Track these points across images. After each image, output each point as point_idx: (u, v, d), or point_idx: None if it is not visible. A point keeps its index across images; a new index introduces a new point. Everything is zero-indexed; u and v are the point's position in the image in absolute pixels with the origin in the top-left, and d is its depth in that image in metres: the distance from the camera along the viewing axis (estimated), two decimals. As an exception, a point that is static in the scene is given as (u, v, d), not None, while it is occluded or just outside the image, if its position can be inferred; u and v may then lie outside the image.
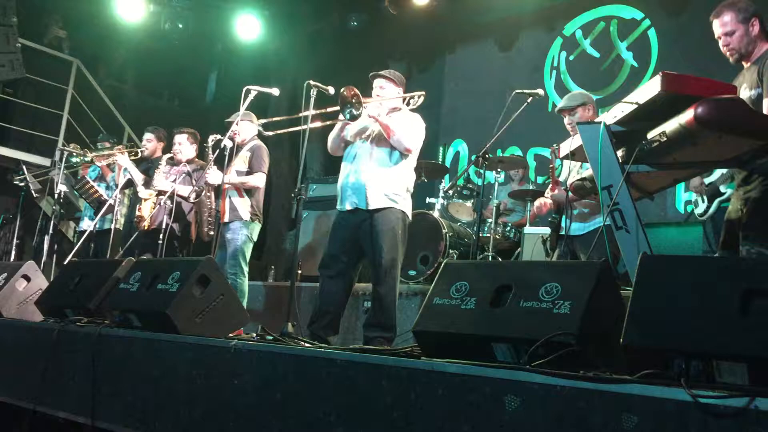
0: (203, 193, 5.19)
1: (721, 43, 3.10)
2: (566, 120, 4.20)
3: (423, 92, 4.35)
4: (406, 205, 4.17)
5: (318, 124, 4.27)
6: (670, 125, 2.39)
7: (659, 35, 7.06)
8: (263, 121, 4.90)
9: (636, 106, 2.49)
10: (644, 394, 1.66)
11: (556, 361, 1.94)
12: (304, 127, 4.01)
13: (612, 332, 1.95)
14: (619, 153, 2.72)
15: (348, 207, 4.13)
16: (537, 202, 4.46)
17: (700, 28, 6.31)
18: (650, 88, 2.42)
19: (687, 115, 2.28)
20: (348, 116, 4.04)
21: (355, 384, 2.31)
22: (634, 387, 1.69)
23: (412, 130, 4.17)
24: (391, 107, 4.27)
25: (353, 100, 4.00)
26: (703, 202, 4.91)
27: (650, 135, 2.52)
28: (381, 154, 4.15)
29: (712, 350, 1.76)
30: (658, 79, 2.37)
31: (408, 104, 4.34)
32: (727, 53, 3.10)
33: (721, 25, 3.06)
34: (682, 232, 6.05)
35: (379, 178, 4.10)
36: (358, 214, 4.10)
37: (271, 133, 4.75)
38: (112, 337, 3.37)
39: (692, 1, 6.80)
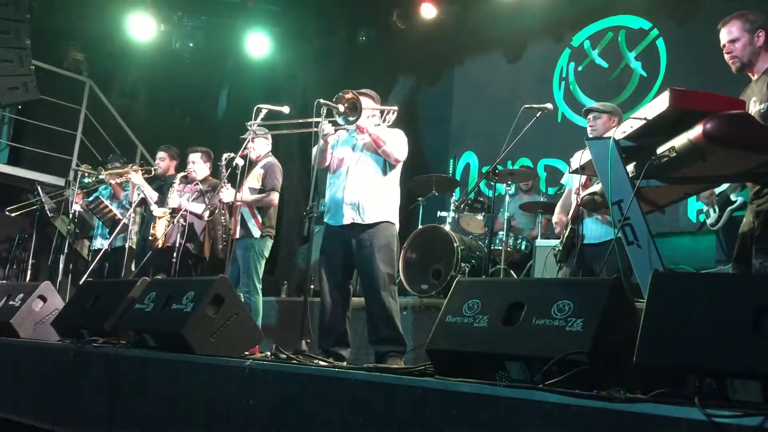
0: (217, 211, 5.23)
1: (725, 51, 3.13)
2: (589, 123, 4.30)
3: (396, 107, 4.40)
4: (394, 217, 4.23)
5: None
6: (680, 141, 2.39)
7: (667, 45, 7.06)
8: (274, 132, 4.95)
9: (645, 121, 2.50)
10: (658, 413, 1.66)
11: (569, 379, 1.95)
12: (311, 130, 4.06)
13: (625, 349, 1.95)
14: (629, 168, 2.73)
15: (344, 222, 4.15)
16: (555, 218, 4.52)
17: (708, 38, 6.30)
18: (659, 103, 2.43)
19: (696, 131, 2.28)
20: (343, 121, 4.07)
21: (370, 403, 2.32)
22: (647, 406, 1.69)
23: (400, 141, 4.24)
24: (373, 122, 4.31)
25: (351, 106, 4.04)
26: (715, 212, 4.89)
27: (660, 150, 2.52)
28: (371, 168, 4.21)
29: (725, 368, 1.76)
30: (666, 95, 2.38)
31: (384, 120, 4.38)
32: (730, 61, 3.13)
33: (728, 33, 3.10)
34: (695, 242, 6.02)
35: (372, 192, 4.15)
36: (354, 229, 4.13)
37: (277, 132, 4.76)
38: (127, 358, 3.40)
39: (700, 10, 6.80)
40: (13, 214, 7.46)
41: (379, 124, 4.33)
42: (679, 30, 7.03)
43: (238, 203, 5.05)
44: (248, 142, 4.94)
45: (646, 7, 7.26)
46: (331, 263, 4.19)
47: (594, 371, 1.98)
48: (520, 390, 1.95)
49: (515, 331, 2.24)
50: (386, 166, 4.23)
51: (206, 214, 5.31)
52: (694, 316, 1.86)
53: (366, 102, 4.30)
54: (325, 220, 4.32)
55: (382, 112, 4.37)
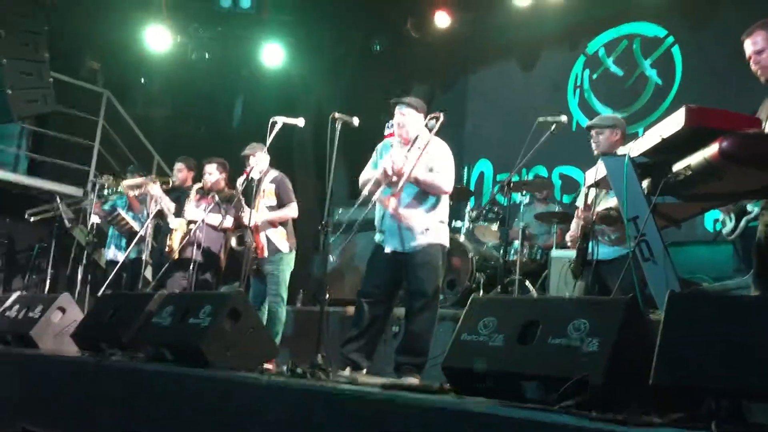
0: (245, 236, 5.20)
1: (752, 61, 3.09)
2: (593, 138, 4.23)
3: (441, 114, 4.31)
4: (443, 237, 4.21)
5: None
6: (695, 158, 2.39)
7: (683, 52, 7.01)
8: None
9: (660, 139, 2.50)
10: (674, 438, 1.66)
11: (586, 401, 1.95)
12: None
13: (641, 370, 1.95)
14: (645, 184, 2.72)
15: (387, 249, 4.18)
16: (569, 237, 4.50)
17: (724, 44, 6.31)
18: (674, 121, 2.42)
19: (712, 150, 2.28)
20: (388, 193, 4.12)
21: (386, 422, 2.33)
22: (664, 431, 1.69)
23: (447, 173, 4.20)
24: (415, 136, 4.27)
25: (390, 180, 4.08)
26: (731, 221, 4.85)
27: (675, 167, 2.51)
28: (416, 194, 4.17)
29: (741, 390, 1.76)
30: (682, 112, 2.37)
31: (430, 130, 4.35)
32: (759, 72, 3.08)
33: (753, 43, 3.05)
34: (712, 251, 5.97)
35: (415, 217, 4.12)
36: (398, 255, 4.15)
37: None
38: (145, 372, 3.44)
39: (716, 17, 6.76)
40: (32, 219, 7.55)
41: (426, 140, 4.25)
42: (694, 37, 6.99)
43: (260, 223, 5.08)
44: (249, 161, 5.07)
45: (662, 14, 7.21)
46: (374, 279, 4.23)
47: (610, 392, 1.98)
48: (535, 411, 1.95)
49: (531, 350, 2.24)
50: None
51: (234, 242, 5.33)
52: (710, 338, 1.86)
53: (409, 114, 4.26)
54: (375, 238, 4.33)
55: (426, 125, 4.30)
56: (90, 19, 8.44)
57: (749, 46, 3.06)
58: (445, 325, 5.08)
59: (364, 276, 4.38)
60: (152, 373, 3.40)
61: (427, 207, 4.17)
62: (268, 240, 5.14)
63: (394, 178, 4.09)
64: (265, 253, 5.12)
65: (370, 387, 2.61)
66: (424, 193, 4.17)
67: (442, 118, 4.28)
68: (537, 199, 6.76)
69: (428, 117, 4.33)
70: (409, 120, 4.28)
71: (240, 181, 5.12)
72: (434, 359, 4.26)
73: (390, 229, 4.15)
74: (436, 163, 4.17)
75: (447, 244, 4.24)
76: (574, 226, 4.50)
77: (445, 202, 4.28)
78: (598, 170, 2.99)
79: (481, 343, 2.38)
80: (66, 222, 7.34)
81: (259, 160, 5.19)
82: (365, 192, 4.30)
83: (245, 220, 5.07)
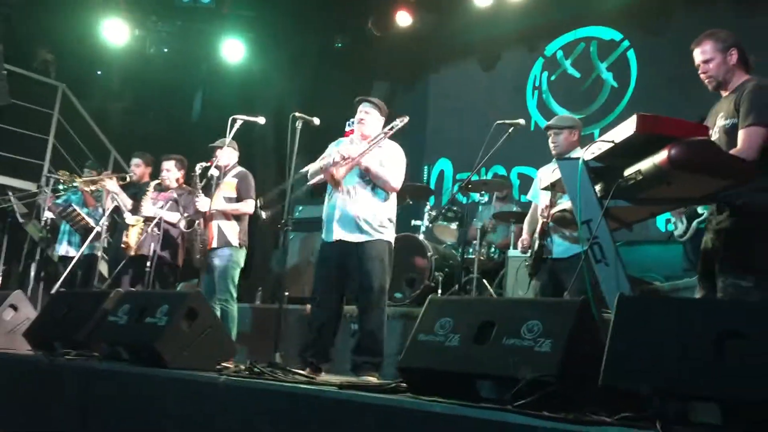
0: (196, 223, 5.19)
1: (699, 70, 3.18)
2: (551, 138, 4.30)
3: (407, 118, 4.38)
4: (390, 235, 4.27)
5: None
6: (646, 164, 2.47)
7: (638, 56, 7.19)
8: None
9: (613, 144, 2.57)
10: (622, 436, 1.72)
11: (539, 400, 2.00)
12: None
13: (592, 370, 2.00)
14: (598, 187, 2.79)
15: (335, 239, 4.20)
16: (519, 244, 4.58)
17: (677, 50, 6.45)
18: (626, 127, 2.50)
19: (661, 156, 2.36)
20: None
21: (342, 421, 2.35)
22: (612, 429, 1.74)
23: (396, 170, 4.27)
24: (373, 134, 4.33)
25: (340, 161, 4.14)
26: (682, 223, 4.99)
27: (627, 172, 2.59)
28: (366, 187, 4.23)
29: (687, 391, 1.82)
30: (633, 119, 2.45)
31: (392, 129, 4.39)
32: (706, 81, 3.17)
33: (701, 53, 3.14)
34: (663, 251, 6.15)
35: (365, 212, 4.18)
36: (346, 246, 4.17)
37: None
38: (100, 371, 3.40)
39: (669, 23, 6.94)
40: None
41: (385, 133, 4.33)
42: (649, 41, 7.16)
43: (213, 212, 5.05)
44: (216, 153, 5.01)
45: (617, 18, 7.38)
46: (324, 282, 4.25)
47: (562, 391, 2.03)
48: (489, 411, 2.00)
49: (486, 350, 2.29)
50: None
51: (183, 224, 5.30)
52: (658, 340, 1.92)
53: (372, 113, 4.36)
54: (322, 236, 4.36)
55: (388, 130, 4.35)
56: (44, 10, 8.25)
57: (698, 55, 3.15)
58: (404, 323, 5.12)
59: (314, 275, 4.41)
60: (107, 373, 3.36)
61: (378, 201, 4.24)
62: (220, 230, 5.11)
63: (347, 161, 4.14)
64: (215, 244, 5.10)
65: (328, 386, 2.63)
66: (375, 188, 4.24)
67: (406, 120, 4.34)
68: (497, 199, 6.84)
69: (397, 118, 4.37)
70: (371, 119, 4.38)
71: (199, 167, 5.08)
72: (391, 357, 4.32)
73: (341, 220, 4.19)
74: (388, 160, 4.27)
75: (393, 242, 4.30)
76: (526, 227, 4.58)
77: (393, 200, 4.35)
78: (554, 172, 3.06)
79: (437, 344, 2.42)
80: (18, 217, 7.17)
81: (225, 155, 5.17)
82: (310, 169, 4.35)
83: (199, 206, 5.06)
